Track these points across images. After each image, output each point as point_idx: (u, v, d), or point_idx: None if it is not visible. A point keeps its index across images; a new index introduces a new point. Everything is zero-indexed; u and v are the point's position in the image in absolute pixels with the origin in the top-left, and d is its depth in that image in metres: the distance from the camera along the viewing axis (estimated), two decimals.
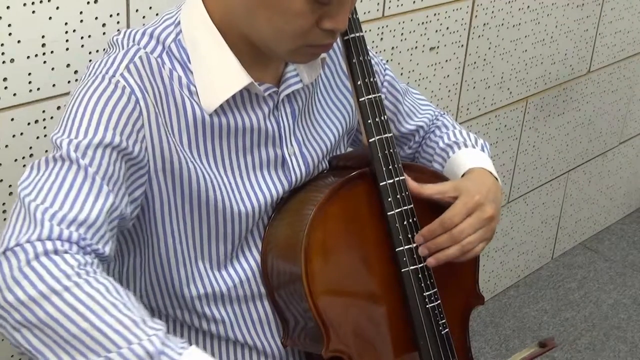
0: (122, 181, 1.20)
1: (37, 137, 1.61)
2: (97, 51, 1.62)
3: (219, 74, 1.27)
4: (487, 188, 1.41)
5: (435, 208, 1.42)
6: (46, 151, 1.62)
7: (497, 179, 1.48)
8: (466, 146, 1.53)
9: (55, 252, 1.09)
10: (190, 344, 1.39)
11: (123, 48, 1.26)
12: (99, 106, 1.20)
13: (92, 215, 1.14)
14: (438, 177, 1.48)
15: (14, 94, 1.55)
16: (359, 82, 1.36)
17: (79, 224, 1.13)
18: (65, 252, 1.09)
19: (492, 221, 1.39)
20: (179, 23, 1.29)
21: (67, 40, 1.58)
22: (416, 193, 1.38)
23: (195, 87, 1.27)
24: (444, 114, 1.64)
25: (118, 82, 1.21)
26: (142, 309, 1.10)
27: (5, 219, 1.63)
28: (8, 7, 1.49)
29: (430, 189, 1.40)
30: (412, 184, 1.38)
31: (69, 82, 1.61)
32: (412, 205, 1.37)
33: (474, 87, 2.55)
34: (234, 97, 1.29)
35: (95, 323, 1.05)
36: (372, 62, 1.49)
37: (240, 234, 1.35)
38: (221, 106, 1.28)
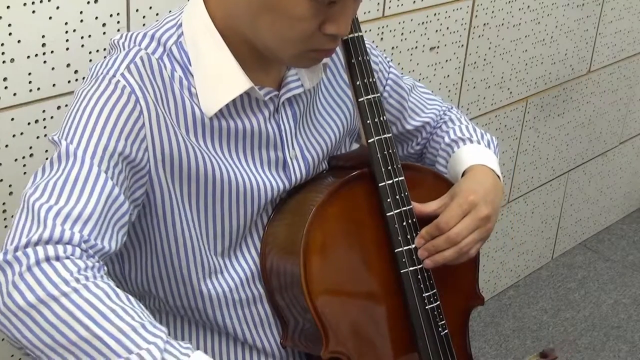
0: (122, 179, 1.20)
1: (37, 137, 1.61)
2: (97, 51, 1.63)
3: (220, 77, 1.27)
4: (484, 187, 1.40)
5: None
6: (46, 151, 1.62)
7: (499, 176, 1.47)
8: (471, 142, 1.52)
9: (57, 258, 1.09)
10: (191, 340, 1.40)
11: (124, 49, 1.26)
12: (98, 108, 1.20)
13: (96, 207, 1.14)
14: (437, 177, 1.48)
15: (14, 94, 1.55)
16: (357, 83, 1.36)
17: (83, 221, 1.13)
18: (67, 257, 1.09)
19: (488, 221, 1.38)
20: (180, 25, 1.29)
21: (67, 40, 1.58)
22: (419, 212, 1.38)
23: (195, 89, 1.27)
24: (452, 108, 1.63)
25: (118, 81, 1.21)
26: (144, 312, 1.10)
27: (5, 219, 1.63)
28: (8, 7, 1.49)
29: (432, 206, 1.39)
30: (415, 204, 1.38)
31: (69, 82, 1.61)
32: (411, 206, 1.37)
33: (474, 87, 2.55)
34: (234, 100, 1.29)
35: (93, 330, 1.05)
36: (376, 60, 1.49)
37: (245, 214, 1.34)
38: (221, 110, 1.28)
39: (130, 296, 1.11)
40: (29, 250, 1.09)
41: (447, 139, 1.54)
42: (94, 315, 1.05)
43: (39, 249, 1.09)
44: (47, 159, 1.20)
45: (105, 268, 1.15)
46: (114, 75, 1.22)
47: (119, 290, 1.10)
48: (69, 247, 1.10)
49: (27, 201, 1.14)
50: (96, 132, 1.18)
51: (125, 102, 1.21)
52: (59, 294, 1.06)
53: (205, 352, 1.40)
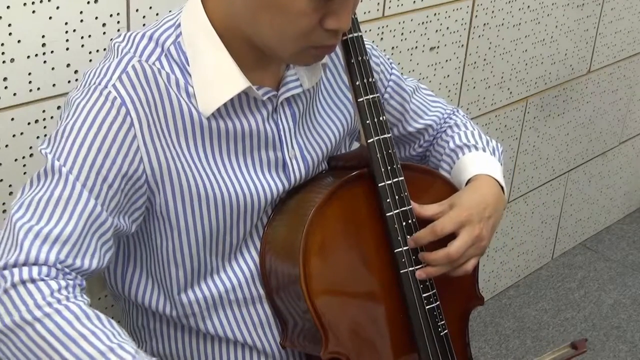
0: (112, 195, 1.21)
1: (37, 137, 1.61)
2: (97, 51, 1.62)
3: (217, 77, 1.27)
4: (484, 202, 1.40)
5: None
6: None
7: (502, 187, 1.47)
8: (476, 149, 1.52)
9: (32, 280, 1.13)
10: (191, 346, 1.41)
11: (118, 56, 1.26)
12: (87, 123, 1.21)
13: (75, 228, 1.17)
14: (436, 176, 1.48)
15: (14, 94, 1.55)
16: (357, 83, 1.36)
17: (62, 242, 1.16)
18: (41, 279, 1.13)
19: (481, 240, 1.38)
20: (179, 25, 1.29)
21: (67, 40, 1.58)
22: (417, 213, 1.38)
23: (193, 88, 1.27)
24: (457, 111, 1.62)
25: (109, 93, 1.22)
26: (114, 334, 1.13)
27: (5, 219, 1.63)
28: (8, 7, 1.49)
29: (430, 210, 1.39)
30: (414, 204, 1.38)
31: (69, 82, 1.61)
32: (411, 206, 1.37)
33: (474, 87, 2.54)
34: (231, 100, 1.29)
35: (64, 355, 1.09)
36: (377, 62, 1.49)
37: (245, 225, 1.34)
38: (218, 110, 1.28)
39: (102, 316, 1.14)
40: (6, 272, 1.13)
41: (451, 145, 1.54)
42: (65, 340, 1.09)
43: (15, 271, 1.13)
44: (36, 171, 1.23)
45: (84, 283, 1.19)
46: (105, 87, 1.22)
47: (90, 312, 1.13)
48: (44, 268, 1.14)
49: (11, 219, 1.18)
50: (83, 149, 1.20)
51: (115, 115, 1.21)
52: (32, 319, 1.10)
53: (206, 357, 1.40)
